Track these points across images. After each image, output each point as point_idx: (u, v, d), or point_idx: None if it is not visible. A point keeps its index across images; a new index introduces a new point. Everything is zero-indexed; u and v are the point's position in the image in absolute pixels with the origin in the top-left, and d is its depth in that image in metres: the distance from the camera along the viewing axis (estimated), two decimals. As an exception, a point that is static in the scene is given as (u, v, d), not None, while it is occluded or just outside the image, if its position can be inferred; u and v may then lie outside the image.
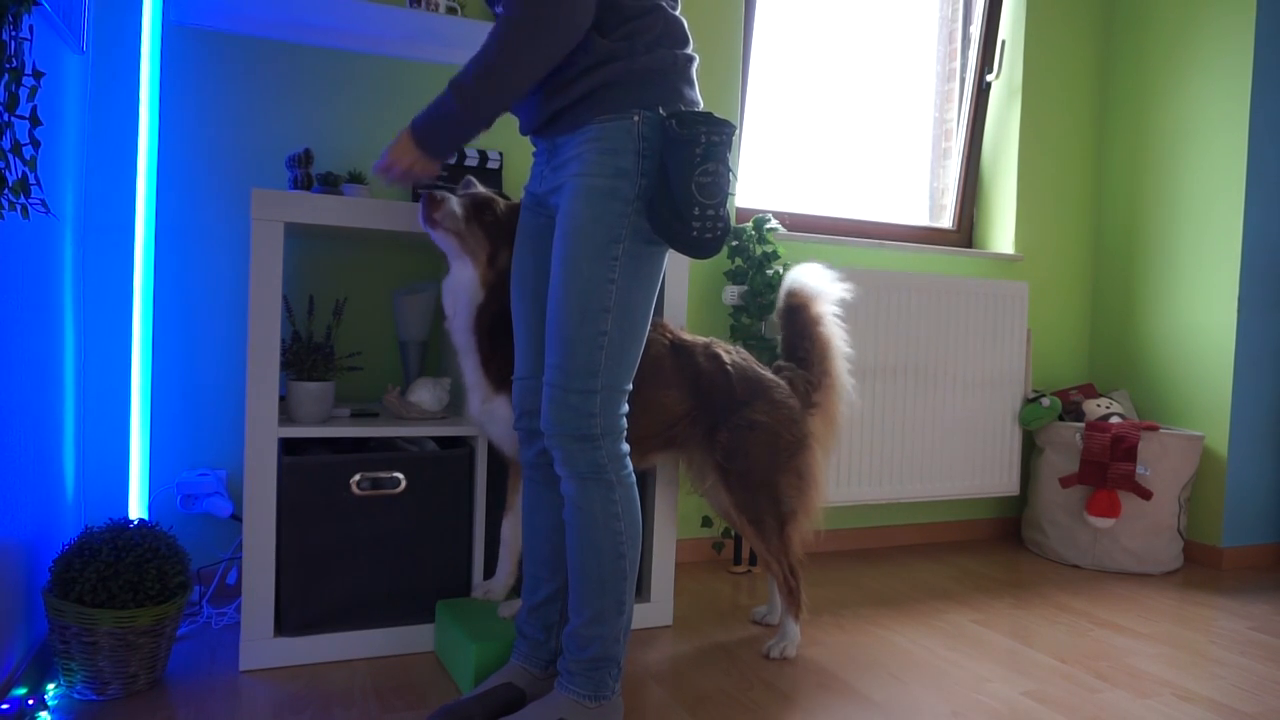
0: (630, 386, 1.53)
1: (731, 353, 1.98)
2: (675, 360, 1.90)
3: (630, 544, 1.52)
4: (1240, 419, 2.92)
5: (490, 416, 1.77)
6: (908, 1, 3.25)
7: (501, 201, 1.75)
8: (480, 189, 1.77)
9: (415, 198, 2.30)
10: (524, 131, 1.61)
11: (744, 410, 1.92)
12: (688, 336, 1.96)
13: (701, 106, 1.56)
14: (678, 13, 1.55)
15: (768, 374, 2.00)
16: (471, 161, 2.35)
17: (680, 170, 1.43)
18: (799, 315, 2.10)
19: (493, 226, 1.72)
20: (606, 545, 1.50)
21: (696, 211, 1.43)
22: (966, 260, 3.17)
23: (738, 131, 1.50)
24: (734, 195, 1.71)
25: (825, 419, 2.07)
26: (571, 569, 1.52)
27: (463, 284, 1.72)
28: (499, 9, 1.48)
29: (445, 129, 1.52)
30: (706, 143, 1.43)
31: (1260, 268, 2.93)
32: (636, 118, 1.46)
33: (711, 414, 1.92)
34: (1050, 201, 3.29)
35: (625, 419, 1.53)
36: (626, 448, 1.54)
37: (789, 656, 1.98)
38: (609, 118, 1.47)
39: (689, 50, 1.54)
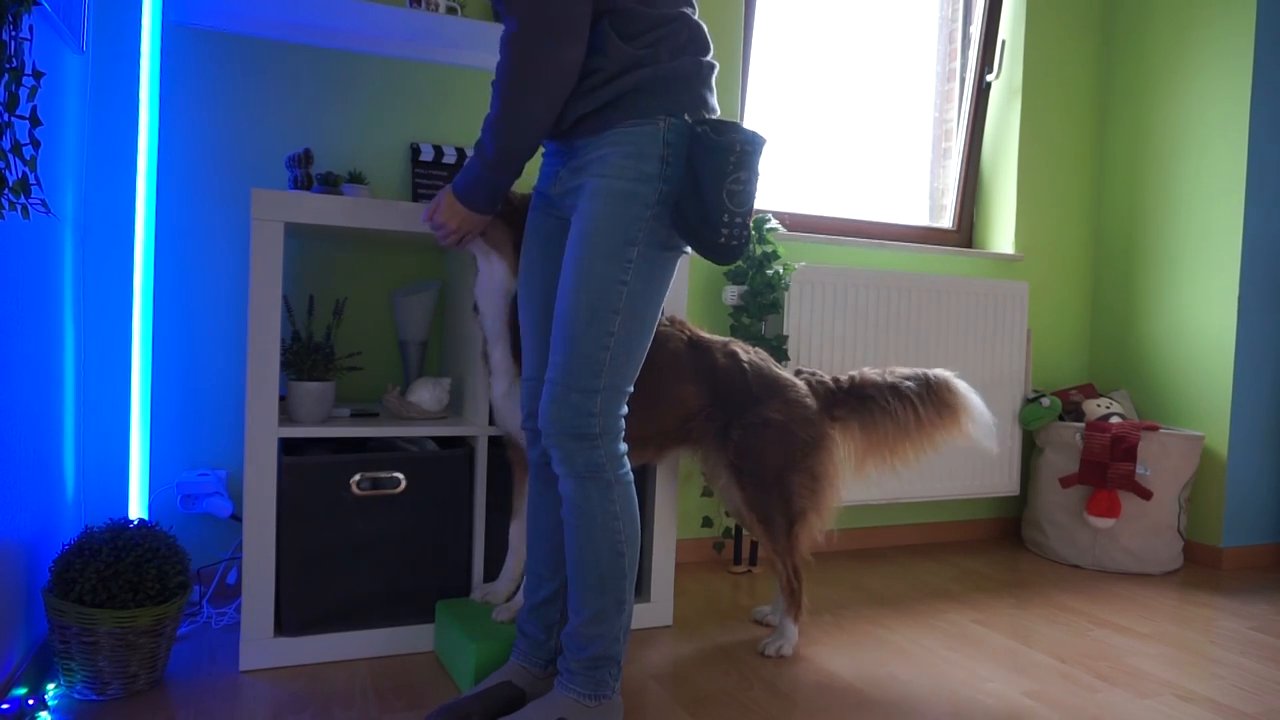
0: (630, 389, 1.53)
1: (749, 352, 2.00)
2: (693, 357, 1.92)
3: (629, 542, 1.52)
4: (1240, 419, 2.92)
5: (512, 404, 1.78)
6: (908, 1, 3.25)
7: (515, 194, 1.75)
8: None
9: (416, 198, 2.30)
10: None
11: (759, 408, 1.93)
12: (706, 335, 1.98)
13: (719, 113, 1.57)
14: (697, 18, 1.56)
15: (785, 374, 2.01)
16: (471, 161, 2.35)
17: (712, 177, 1.43)
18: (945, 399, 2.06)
19: (511, 215, 1.72)
20: (605, 544, 1.50)
21: (725, 219, 1.44)
22: (966, 260, 3.17)
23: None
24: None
25: (856, 440, 2.06)
26: (570, 568, 1.52)
27: (496, 280, 1.74)
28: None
29: (480, 187, 1.57)
30: (740, 151, 1.44)
31: (1260, 268, 2.93)
32: (662, 123, 1.46)
33: (727, 411, 1.93)
34: (1050, 201, 3.29)
35: (624, 420, 1.53)
36: (624, 447, 1.54)
37: (785, 655, 1.98)
38: (634, 123, 1.47)
39: (710, 58, 1.55)
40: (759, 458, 1.92)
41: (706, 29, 1.56)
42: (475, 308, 1.80)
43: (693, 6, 1.55)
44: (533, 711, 1.51)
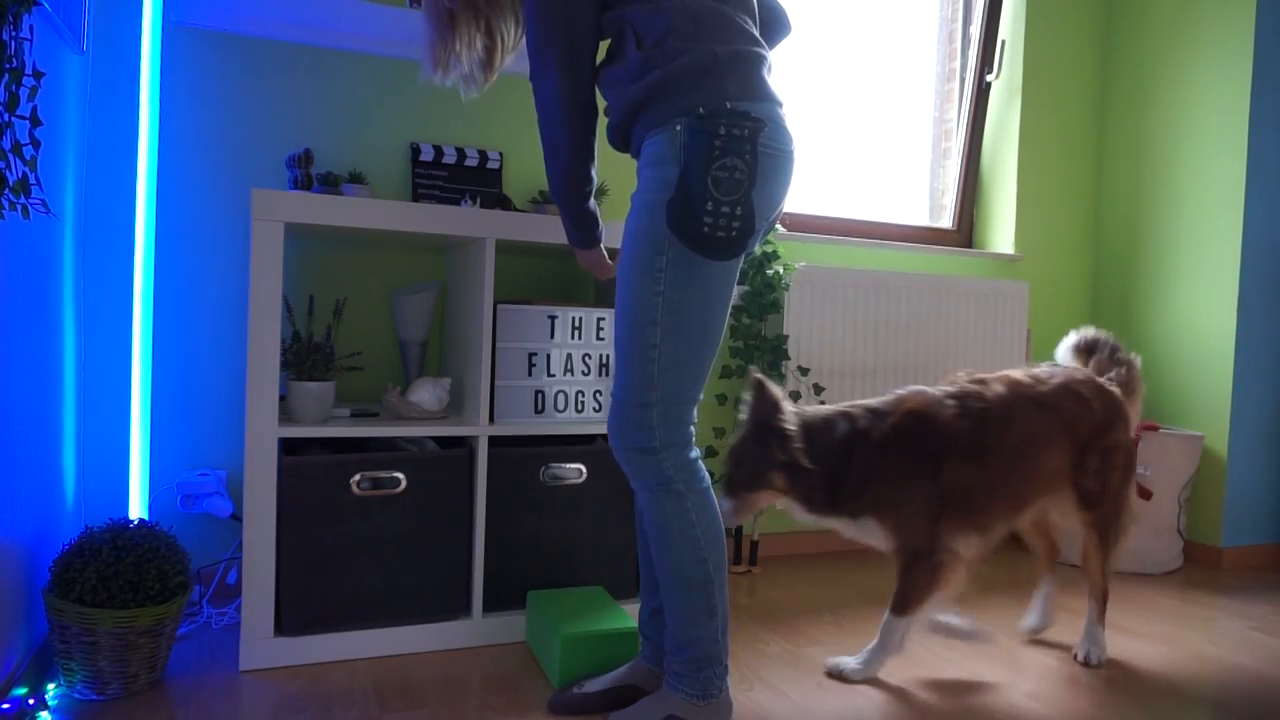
0: (698, 397, 1.52)
1: (1087, 382, 1.99)
2: (1044, 420, 1.89)
3: (711, 547, 1.51)
4: (1240, 419, 2.92)
5: (859, 531, 1.86)
6: (908, 1, 3.25)
7: (738, 453, 1.79)
8: (736, 445, 1.82)
9: (416, 198, 2.30)
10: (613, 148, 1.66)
11: (1108, 432, 1.95)
12: (1044, 382, 1.94)
13: (768, 101, 1.49)
14: (734, 9, 1.50)
15: (1114, 389, 2.02)
16: (472, 162, 2.36)
17: (697, 163, 1.40)
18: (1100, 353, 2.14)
19: (752, 482, 1.79)
20: (686, 552, 1.50)
21: (709, 206, 1.40)
22: (966, 260, 3.17)
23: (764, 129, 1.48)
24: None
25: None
26: (660, 577, 1.53)
27: (796, 513, 1.85)
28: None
29: (566, 224, 1.69)
30: (726, 135, 1.40)
31: (1260, 268, 2.93)
32: (679, 126, 1.44)
33: (1081, 447, 1.94)
34: (1050, 201, 3.29)
35: (691, 428, 1.52)
36: (695, 453, 1.52)
37: (1103, 662, 2.01)
38: (655, 132, 1.46)
39: (739, 46, 1.47)
40: (1111, 479, 1.96)
41: (732, 14, 1.49)
42: None
43: None
44: (644, 706, 1.54)
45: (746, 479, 1.78)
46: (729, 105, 1.43)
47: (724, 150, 1.40)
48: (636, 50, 1.47)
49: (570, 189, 1.61)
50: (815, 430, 1.80)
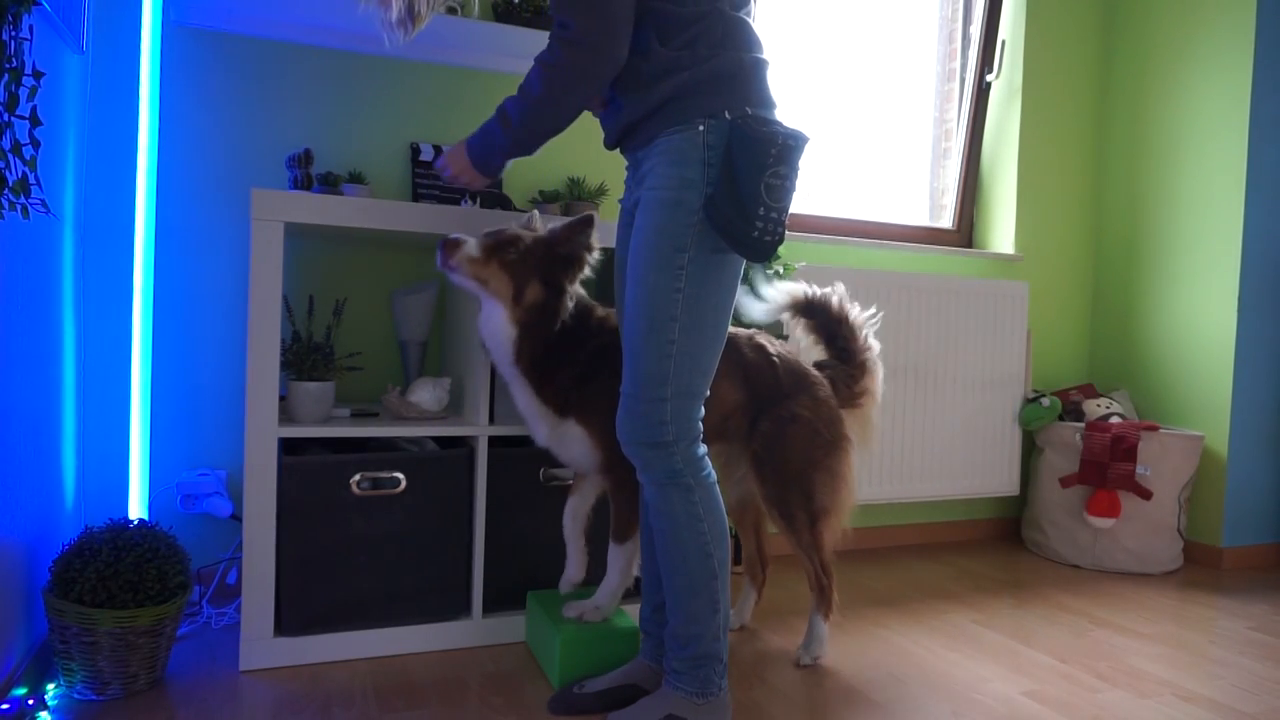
0: (706, 391, 1.53)
1: (776, 344, 1.97)
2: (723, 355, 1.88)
3: (716, 543, 1.52)
4: (1240, 419, 2.92)
5: (561, 441, 1.77)
6: (908, 1, 3.25)
7: (525, 237, 1.69)
8: (512, 229, 1.71)
9: (416, 198, 2.30)
10: (606, 146, 1.64)
11: (787, 402, 1.90)
12: (730, 329, 1.92)
13: (775, 107, 1.55)
14: (747, 16, 1.54)
15: (812, 370, 2.00)
16: (471, 161, 2.35)
17: (751, 169, 1.42)
18: (820, 313, 2.10)
19: (515, 265, 1.66)
20: (692, 546, 1.51)
21: (761, 211, 1.43)
22: (966, 260, 3.17)
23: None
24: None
25: (863, 414, 2.07)
26: (663, 572, 1.54)
27: (494, 324, 1.69)
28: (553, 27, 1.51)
29: (494, 153, 1.62)
30: (783, 145, 1.43)
31: (1260, 268, 2.93)
32: (702, 127, 1.46)
33: (757, 404, 1.90)
34: (1050, 201, 3.29)
35: (700, 424, 1.53)
36: (704, 449, 1.54)
37: (820, 659, 1.96)
38: (675, 129, 1.47)
39: (758, 54, 1.53)
40: (784, 453, 1.88)
41: (751, 25, 1.53)
42: (484, 346, 1.76)
43: (730, 2, 1.51)
44: (644, 706, 1.55)
45: (511, 259, 1.65)
46: (749, 111, 1.46)
47: (778, 159, 1.43)
48: (661, 48, 1.47)
49: (540, 140, 1.58)
50: (580, 302, 1.75)
